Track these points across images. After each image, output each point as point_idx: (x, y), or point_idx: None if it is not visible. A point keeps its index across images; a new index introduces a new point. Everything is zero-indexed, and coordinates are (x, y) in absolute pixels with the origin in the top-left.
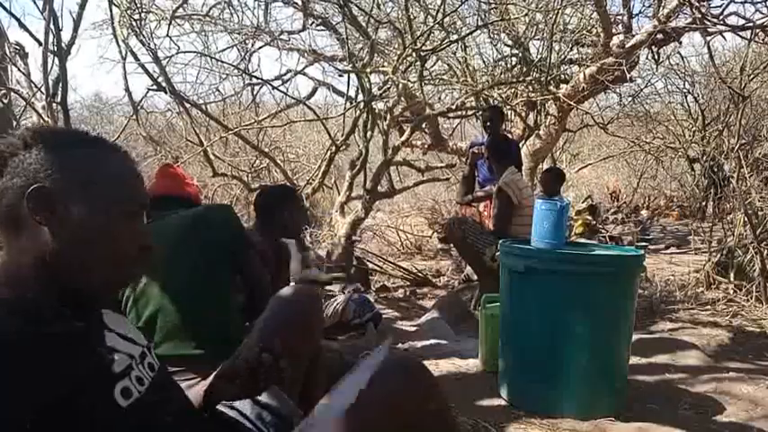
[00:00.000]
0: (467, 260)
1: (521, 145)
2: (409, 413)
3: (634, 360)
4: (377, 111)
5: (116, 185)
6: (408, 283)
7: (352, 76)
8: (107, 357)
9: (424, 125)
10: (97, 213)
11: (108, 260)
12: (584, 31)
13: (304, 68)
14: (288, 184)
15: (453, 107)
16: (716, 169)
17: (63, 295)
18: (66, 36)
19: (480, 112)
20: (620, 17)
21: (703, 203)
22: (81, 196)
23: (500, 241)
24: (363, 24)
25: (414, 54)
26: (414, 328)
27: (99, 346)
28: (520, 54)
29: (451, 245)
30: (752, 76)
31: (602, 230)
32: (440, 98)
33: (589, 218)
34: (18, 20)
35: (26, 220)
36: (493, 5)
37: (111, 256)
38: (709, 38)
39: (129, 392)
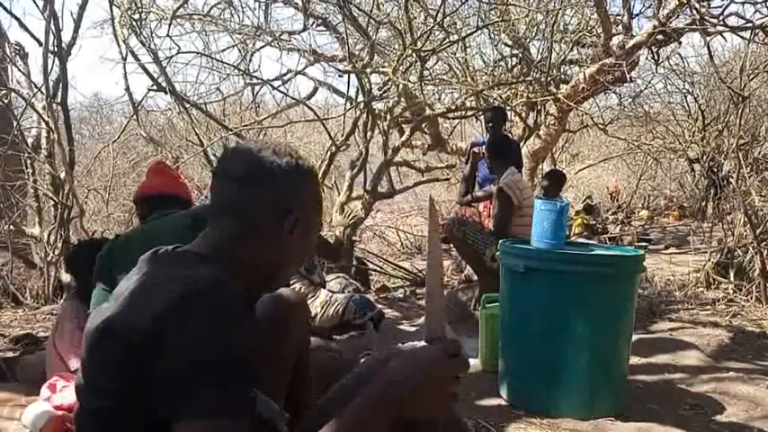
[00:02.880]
0: (467, 260)
1: (521, 145)
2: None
3: (634, 360)
4: (377, 111)
5: (319, 212)
6: (408, 283)
7: (353, 76)
8: None
9: (424, 125)
10: (310, 235)
11: (294, 272)
12: (585, 32)
13: (304, 69)
14: None
15: (453, 107)
16: (716, 169)
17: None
18: (66, 36)
19: (482, 113)
20: (620, 17)
21: (703, 204)
22: (306, 221)
23: (500, 241)
24: (363, 25)
25: (414, 54)
26: (414, 328)
27: None
28: (520, 54)
29: (451, 245)
30: (752, 77)
31: (601, 230)
32: (440, 98)
33: (587, 217)
34: (18, 20)
35: (260, 227)
36: (493, 6)
37: (296, 269)
38: (708, 38)
39: None
